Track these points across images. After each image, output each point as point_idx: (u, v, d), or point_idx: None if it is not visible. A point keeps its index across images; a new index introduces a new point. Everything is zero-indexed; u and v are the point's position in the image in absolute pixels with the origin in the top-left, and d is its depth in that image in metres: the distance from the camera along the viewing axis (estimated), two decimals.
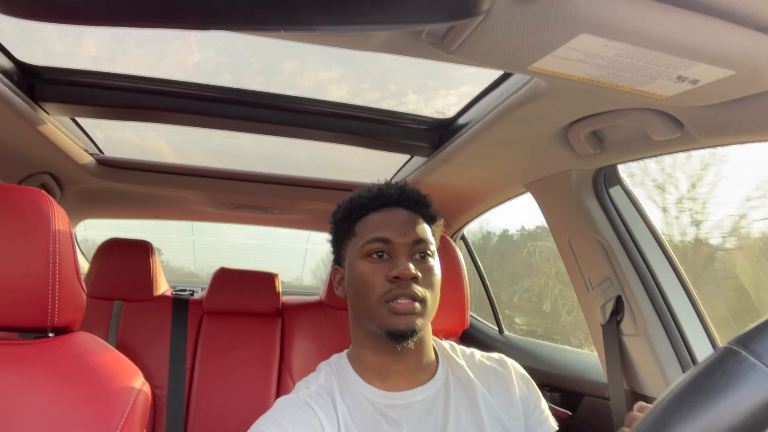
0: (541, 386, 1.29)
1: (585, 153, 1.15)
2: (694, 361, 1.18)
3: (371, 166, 1.84)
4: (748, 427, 0.34)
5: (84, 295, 0.93)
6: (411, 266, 0.78)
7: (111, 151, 1.70)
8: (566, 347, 1.77)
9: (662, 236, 1.27)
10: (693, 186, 1.72)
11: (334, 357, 0.89)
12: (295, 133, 1.40)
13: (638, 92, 0.76)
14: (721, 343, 0.92)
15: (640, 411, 0.68)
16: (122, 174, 1.73)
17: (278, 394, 1.71)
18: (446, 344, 0.93)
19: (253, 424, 0.76)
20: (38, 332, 0.88)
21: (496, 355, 0.94)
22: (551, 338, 2.52)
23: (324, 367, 0.87)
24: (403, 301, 0.77)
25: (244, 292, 1.86)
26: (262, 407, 1.08)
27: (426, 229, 0.85)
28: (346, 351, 0.90)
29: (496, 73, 1.11)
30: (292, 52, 1.20)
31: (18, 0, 0.48)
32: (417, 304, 0.78)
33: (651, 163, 1.79)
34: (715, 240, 1.73)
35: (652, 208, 1.29)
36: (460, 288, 1.30)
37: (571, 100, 0.97)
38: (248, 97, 1.30)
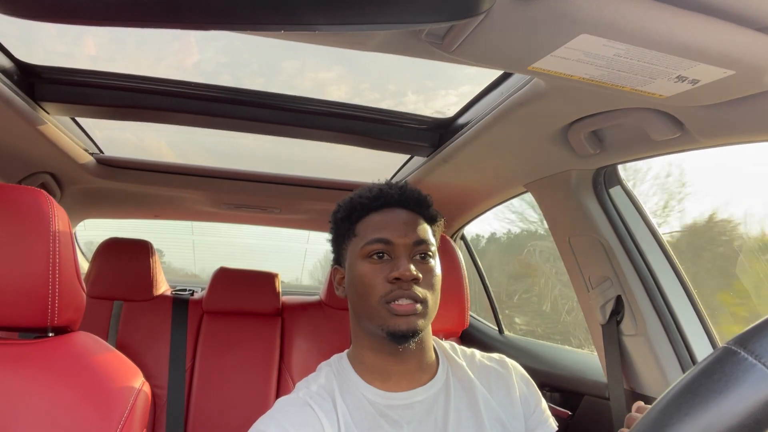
0: (541, 386, 1.29)
1: (585, 153, 1.15)
2: (694, 360, 1.18)
3: (371, 166, 1.84)
4: (747, 427, 0.34)
5: (84, 295, 0.93)
6: (412, 267, 0.78)
7: (111, 151, 1.70)
8: (566, 347, 1.77)
9: (662, 236, 1.27)
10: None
11: (335, 357, 0.89)
12: (295, 133, 1.40)
13: (638, 92, 0.76)
14: (720, 342, 0.92)
15: (639, 411, 0.69)
16: (122, 174, 1.73)
17: (278, 394, 1.71)
18: (447, 344, 0.93)
19: (253, 423, 0.76)
20: (38, 332, 0.88)
21: (496, 355, 0.94)
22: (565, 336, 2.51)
23: (324, 367, 0.87)
24: (403, 303, 0.77)
25: (244, 292, 1.86)
26: (262, 407, 1.08)
27: (427, 230, 0.85)
28: (346, 351, 0.90)
29: (496, 73, 1.11)
30: (292, 52, 1.20)
31: (18, 0, 0.48)
32: (418, 305, 0.77)
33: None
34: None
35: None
36: (460, 288, 1.30)
37: (571, 100, 0.97)
38: (248, 96, 1.30)
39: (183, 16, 0.49)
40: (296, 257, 3.46)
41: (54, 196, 1.63)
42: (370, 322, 0.80)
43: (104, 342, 0.94)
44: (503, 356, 0.94)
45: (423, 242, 0.82)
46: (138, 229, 2.56)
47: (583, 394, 1.42)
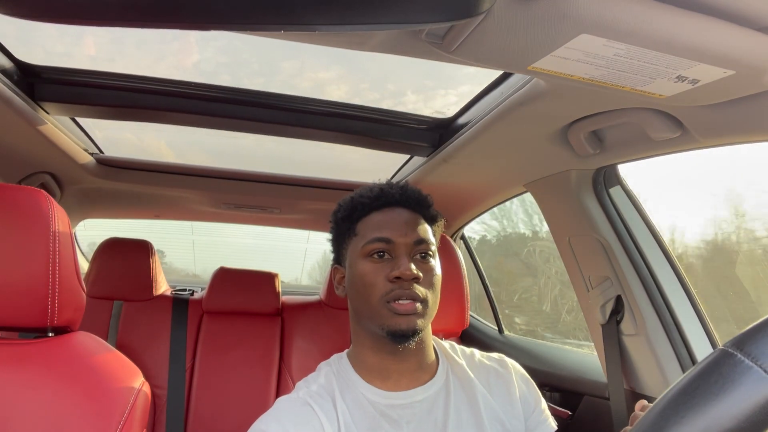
0: (541, 386, 1.29)
1: (585, 153, 1.15)
2: (693, 360, 1.18)
3: (371, 166, 1.84)
4: (744, 429, 0.34)
5: (84, 295, 0.93)
6: (412, 266, 0.78)
7: (111, 151, 1.70)
8: (566, 347, 1.77)
9: (662, 236, 1.27)
10: None
11: (335, 357, 0.89)
12: (294, 132, 1.40)
13: (638, 92, 0.76)
14: (720, 342, 0.92)
15: (642, 410, 0.68)
16: (122, 174, 1.73)
17: (278, 394, 1.71)
18: (446, 344, 0.93)
19: (253, 423, 0.76)
20: (38, 332, 0.88)
21: (496, 355, 0.94)
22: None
23: (324, 367, 0.87)
24: (404, 302, 0.77)
25: (243, 292, 1.86)
26: (262, 407, 1.08)
27: (427, 230, 0.85)
28: (346, 351, 0.90)
29: (496, 73, 1.11)
30: (291, 52, 1.20)
31: (18, 0, 0.48)
32: (418, 305, 0.78)
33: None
34: None
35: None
36: (460, 288, 1.30)
37: (571, 100, 0.97)
38: (248, 96, 1.30)
39: (183, 16, 0.49)
40: (296, 257, 3.46)
41: (54, 196, 1.63)
42: (371, 322, 0.80)
43: (104, 342, 0.94)
44: (503, 356, 0.94)
45: (423, 242, 0.82)
46: (138, 229, 2.56)
47: (583, 394, 1.42)
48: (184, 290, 1.95)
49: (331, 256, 0.93)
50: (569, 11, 0.58)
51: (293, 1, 0.50)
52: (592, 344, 1.40)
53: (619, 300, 1.27)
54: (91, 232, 2.54)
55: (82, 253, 2.54)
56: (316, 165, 1.82)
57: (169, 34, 1.13)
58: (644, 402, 0.70)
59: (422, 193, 0.88)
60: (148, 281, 1.81)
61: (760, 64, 0.66)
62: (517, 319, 2.55)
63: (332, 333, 1.81)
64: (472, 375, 0.87)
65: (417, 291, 0.78)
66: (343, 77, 1.33)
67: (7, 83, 1.11)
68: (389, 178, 1.87)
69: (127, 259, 1.80)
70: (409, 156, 1.66)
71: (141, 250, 1.81)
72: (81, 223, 2.28)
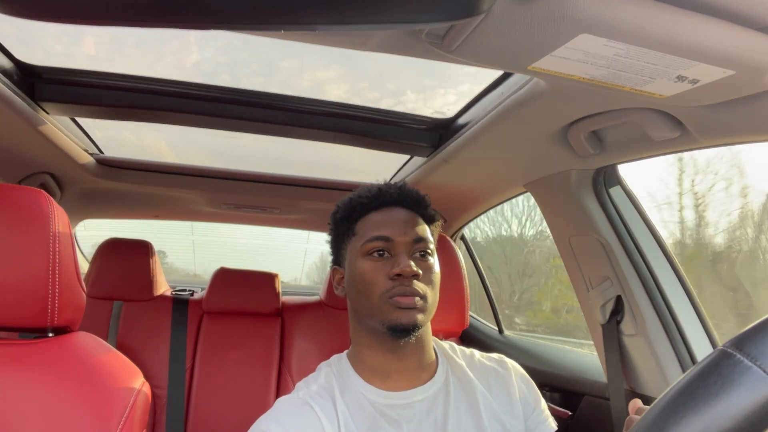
0: (541, 386, 1.29)
1: (585, 153, 1.15)
2: (693, 360, 1.18)
3: (371, 166, 1.84)
4: (743, 429, 0.34)
5: (84, 295, 0.93)
6: (412, 263, 0.78)
7: (111, 151, 1.70)
8: (566, 347, 1.77)
9: (662, 236, 1.27)
10: None
11: (334, 357, 0.90)
12: (294, 132, 1.40)
13: (638, 92, 0.76)
14: (720, 342, 0.92)
15: (636, 412, 0.68)
16: (122, 174, 1.73)
17: (278, 394, 1.71)
18: (446, 344, 0.93)
19: (253, 423, 0.76)
20: (38, 332, 0.88)
21: (495, 355, 0.94)
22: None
23: (324, 367, 0.88)
24: (405, 296, 0.78)
25: (243, 292, 1.86)
26: (262, 407, 1.08)
27: (425, 229, 0.85)
28: (346, 351, 0.90)
29: (496, 73, 1.11)
30: (291, 52, 1.20)
31: (18, 0, 0.48)
32: (419, 299, 0.78)
33: None
34: None
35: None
36: (459, 288, 1.30)
37: (571, 100, 0.97)
38: (247, 96, 1.30)
39: (183, 16, 0.49)
40: (296, 257, 3.47)
41: (54, 196, 1.63)
42: (371, 319, 0.80)
43: (104, 342, 0.94)
44: (503, 356, 0.94)
45: (422, 240, 0.82)
46: (138, 229, 2.56)
47: (583, 394, 1.42)
48: (184, 290, 1.95)
49: (329, 257, 0.94)
50: (569, 11, 0.58)
51: (293, 1, 0.50)
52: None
53: (619, 300, 1.27)
54: (94, 233, 2.54)
55: (82, 253, 2.54)
56: (316, 165, 1.82)
57: (168, 34, 1.13)
58: (638, 402, 0.69)
59: (420, 193, 0.89)
60: (148, 281, 1.81)
61: (760, 64, 0.66)
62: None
63: (332, 333, 1.81)
64: (471, 375, 0.87)
65: (417, 287, 0.78)
66: (343, 77, 1.33)
67: (7, 83, 1.11)
68: (389, 178, 1.87)
69: (127, 259, 1.80)
70: (408, 156, 1.66)
71: (141, 250, 1.81)
72: (81, 223, 2.28)
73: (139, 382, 0.89)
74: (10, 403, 0.79)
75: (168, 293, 1.90)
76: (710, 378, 0.36)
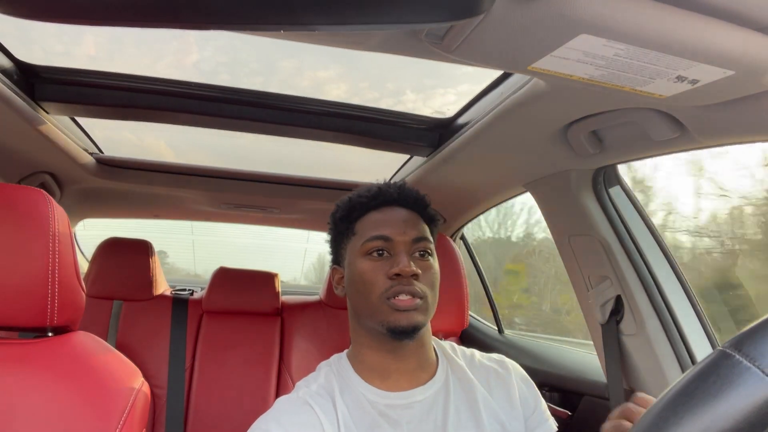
0: (541, 386, 1.29)
1: (584, 153, 1.15)
2: (693, 360, 1.18)
3: (371, 165, 1.84)
4: (742, 430, 0.34)
5: (83, 295, 0.93)
6: (411, 263, 0.78)
7: (111, 151, 1.70)
8: (566, 347, 1.77)
9: (662, 236, 1.27)
10: None
11: (334, 357, 0.90)
12: (293, 132, 1.40)
13: (638, 92, 0.76)
14: (720, 342, 0.92)
15: (637, 403, 0.64)
16: (122, 173, 1.73)
17: (278, 394, 1.71)
18: (447, 344, 0.93)
19: (253, 423, 0.76)
20: (38, 332, 0.88)
21: (495, 355, 0.94)
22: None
23: (324, 367, 0.88)
24: (404, 298, 0.78)
25: (243, 292, 1.86)
26: (262, 407, 1.08)
27: (425, 228, 0.85)
28: (345, 351, 0.90)
29: (496, 73, 1.11)
30: (290, 52, 1.20)
31: (18, 0, 0.48)
32: (418, 300, 0.78)
33: None
34: None
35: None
36: (459, 288, 1.30)
37: (571, 100, 0.97)
38: (247, 96, 1.30)
39: (182, 16, 0.49)
40: (296, 257, 3.47)
41: (54, 196, 1.63)
42: (371, 319, 0.80)
43: (104, 342, 0.94)
44: (503, 356, 0.94)
45: (422, 239, 0.82)
46: (139, 229, 2.56)
47: (583, 394, 1.42)
48: (184, 290, 1.95)
49: (328, 256, 0.94)
50: (569, 11, 0.58)
51: (293, 1, 0.50)
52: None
53: (618, 300, 1.28)
54: (94, 232, 2.54)
55: (82, 252, 2.54)
56: (316, 165, 1.82)
57: (168, 34, 1.13)
58: (644, 395, 0.64)
59: (420, 193, 0.89)
60: (148, 281, 1.81)
61: (760, 64, 0.66)
62: None
63: (332, 333, 1.81)
64: (471, 375, 0.87)
65: (416, 287, 0.78)
66: (343, 76, 1.33)
67: (7, 83, 1.11)
68: (389, 178, 1.87)
69: (127, 259, 1.80)
70: (408, 156, 1.66)
71: (141, 250, 1.81)
72: (81, 223, 2.28)
73: (138, 382, 0.89)
74: (9, 402, 0.79)
75: (168, 293, 1.90)
76: (709, 379, 0.36)
